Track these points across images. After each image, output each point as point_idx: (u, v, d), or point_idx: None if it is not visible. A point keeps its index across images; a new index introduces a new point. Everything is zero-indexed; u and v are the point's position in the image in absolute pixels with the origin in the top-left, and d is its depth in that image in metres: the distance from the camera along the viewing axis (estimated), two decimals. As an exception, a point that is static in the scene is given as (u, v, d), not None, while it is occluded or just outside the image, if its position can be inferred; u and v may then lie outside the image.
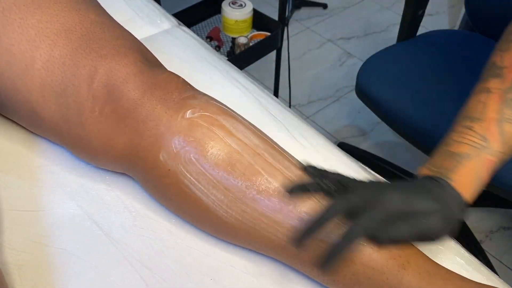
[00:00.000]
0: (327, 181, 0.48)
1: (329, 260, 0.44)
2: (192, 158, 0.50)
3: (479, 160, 0.51)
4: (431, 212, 0.47)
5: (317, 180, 0.48)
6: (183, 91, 0.54)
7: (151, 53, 0.60)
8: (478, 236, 1.39)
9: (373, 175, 0.64)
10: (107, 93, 0.51)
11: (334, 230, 0.47)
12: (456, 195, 0.49)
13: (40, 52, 0.52)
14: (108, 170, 0.59)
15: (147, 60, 0.55)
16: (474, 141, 0.51)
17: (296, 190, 0.48)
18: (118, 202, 0.56)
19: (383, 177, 0.66)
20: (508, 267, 1.35)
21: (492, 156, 0.51)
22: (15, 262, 0.50)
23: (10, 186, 0.56)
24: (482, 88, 0.55)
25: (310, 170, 0.50)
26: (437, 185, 0.49)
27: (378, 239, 0.47)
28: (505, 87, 0.53)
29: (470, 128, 0.52)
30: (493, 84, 0.54)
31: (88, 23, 0.55)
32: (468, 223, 1.37)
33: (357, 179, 0.50)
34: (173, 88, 0.53)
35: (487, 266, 0.56)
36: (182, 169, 0.50)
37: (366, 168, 0.65)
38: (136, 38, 0.59)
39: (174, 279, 0.51)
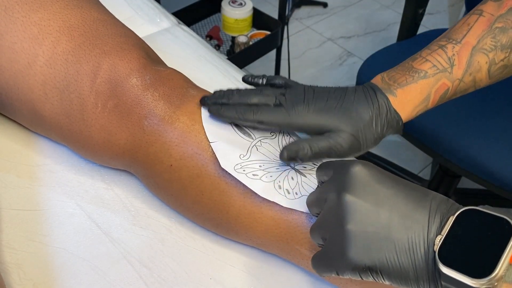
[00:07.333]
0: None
1: None
2: (194, 153, 0.50)
3: (434, 81, 0.49)
4: (339, 130, 0.47)
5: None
6: (186, 88, 0.54)
7: (152, 50, 0.60)
8: (478, 235, 1.39)
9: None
10: (110, 89, 0.51)
11: None
12: (386, 112, 0.48)
13: (43, 49, 0.52)
14: (107, 169, 0.59)
15: (149, 57, 0.55)
16: (439, 61, 0.49)
17: None
18: (117, 201, 0.56)
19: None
20: (508, 267, 1.35)
21: (449, 81, 0.50)
22: (14, 261, 0.50)
23: (9, 185, 0.56)
24: (478, 9, 0.52)
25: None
26: (369, 99, 0.49)
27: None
28: (498, 14, 0.50)
29: (442, 48, 0.50)
30: (489, 7, 0.51)
31: (91, 20, 0.55)
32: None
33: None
34: (175, 84, 0.53)
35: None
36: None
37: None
38: (137, 35, 0.59)
39: (173, 278, 0.51)
